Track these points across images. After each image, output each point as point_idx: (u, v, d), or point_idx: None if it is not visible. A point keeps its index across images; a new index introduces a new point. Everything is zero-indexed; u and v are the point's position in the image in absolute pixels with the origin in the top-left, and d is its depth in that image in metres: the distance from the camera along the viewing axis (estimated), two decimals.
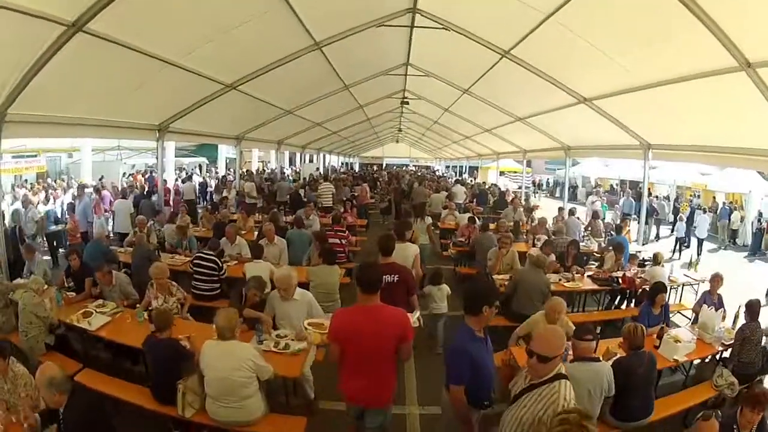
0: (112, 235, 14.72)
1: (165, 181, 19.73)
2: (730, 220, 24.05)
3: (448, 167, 57.14)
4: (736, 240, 24.28)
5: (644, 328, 5.91)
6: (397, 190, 25.37)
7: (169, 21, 8.12)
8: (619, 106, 11.22)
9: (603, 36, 8.52)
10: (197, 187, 25.04)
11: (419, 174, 41.99)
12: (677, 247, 20.78)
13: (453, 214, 17.24)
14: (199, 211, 19.82)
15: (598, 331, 6.12)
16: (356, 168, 56.31)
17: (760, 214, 23.43)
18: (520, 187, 32.10)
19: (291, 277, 6.65)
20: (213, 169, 37.66)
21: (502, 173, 37.92)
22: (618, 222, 16.67)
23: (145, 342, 5.95)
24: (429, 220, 12.69)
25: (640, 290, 10.22)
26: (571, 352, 5.37)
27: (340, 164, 51.67)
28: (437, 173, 50.31)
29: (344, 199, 19.72)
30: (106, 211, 16.91)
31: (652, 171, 30.99)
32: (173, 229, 12.06)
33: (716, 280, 8.81)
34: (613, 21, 7.95)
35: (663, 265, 10.39)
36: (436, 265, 11.13)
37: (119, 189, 20.00)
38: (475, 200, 23.48)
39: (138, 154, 32.58)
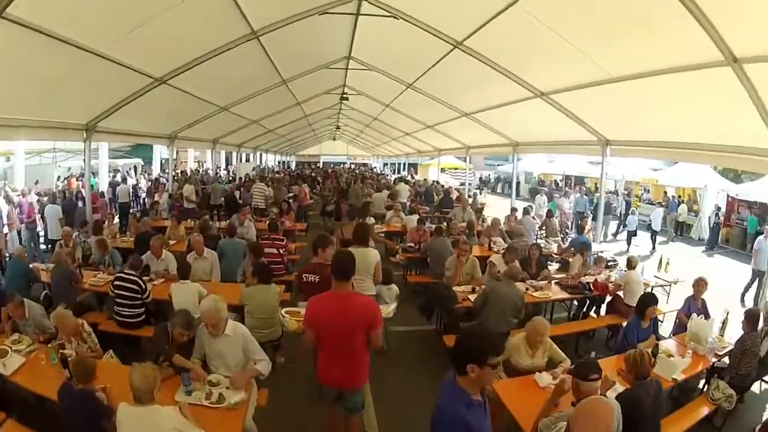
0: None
1: (93, 186, 18.37)
2: (677, 212, 24.84)
3: (386, 164, 56.64)
4: (683, 232, 25.12)
5: (649, 354, 5.23)
6: (336, 189, 24.58)
7: (89, 2, 7.05)
8: (578, 101, 10.72)
9: (574, 25, 7.88)
10: (130, 190, 23.64)
11: (357, 172, 41.23)
12: (629, 240, 21.00)
13: (398, 215, 16.41)
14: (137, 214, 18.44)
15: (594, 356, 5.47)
16: (293, 166, 54.97)
17: (718, 209, 23.88)
18: (462, 184, 31.75)
19: (218, 309, 5.38)
20: (146, 171, 35.92)
21: (442, 170, 37.45)
22: (576, 220, 16.25)
23: (60, 390, 4.81)
24: (372, 220, 11.94)
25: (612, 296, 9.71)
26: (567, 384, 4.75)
27: (276, 163, 50.39)
28: (375, 170, 49.66)
29: (283, 200, 18.57)
30: (23, 222, 15.33)
31: (597, 166, 31.37)
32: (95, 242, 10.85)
33: (700, 284, 8.38)
34: (587, 8, 7.32)
35: (636, 269, 9.76)
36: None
37: (51, 194, 18.26)
38: (419, 199, 22.80)
39: (74, 156, 30.16)
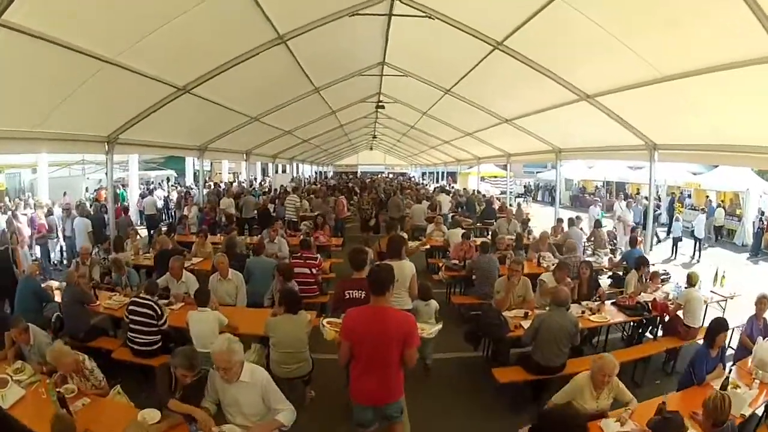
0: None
1: (123, 198, 18.02)
2: (714, 217, 23.94)
3: (424, 174, 55.87)
4: (722, 237, 24.19)
5: (730, 398, 4.43)
6: (375, 200, 23.77)
7: (99, 7, 6.53)
8: (625, 103, 9.95)
9: (622, 19, 7.22)
10: (157, 202, 23.23)
11: (395, 181, 40.47)
12: (674, 247, 20.00)
13: (440, 228, 15.34)
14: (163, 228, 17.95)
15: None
16: (329, 176, 54.41)
17: (762, 213, 22.62)
18: (503, 193, 30.85)
19: (231, 351, 4.55)
20: (179, 182, 35.77)
21: (482, 179, 36.45)
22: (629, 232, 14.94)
23: None
24: (404, 235, 11.13)
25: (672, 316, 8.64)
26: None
27: (312, 173, 49.92)
28: (413, 180, 48.87)
29: (317, 214, 17.24)
30: (42, 236, 15.13)
31: (636, 171, 30.38)
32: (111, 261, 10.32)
33: (763, 302, 7.39)
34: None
35: (696, 286, 8.70)
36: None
37: (80, 207, 17.82)
38: (460, 210, 21.81)
39: (104, 168, 30.07)
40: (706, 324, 7.15)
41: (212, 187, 28.29)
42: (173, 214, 23.78)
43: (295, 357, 6.61)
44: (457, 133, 21.27)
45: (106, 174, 13.16)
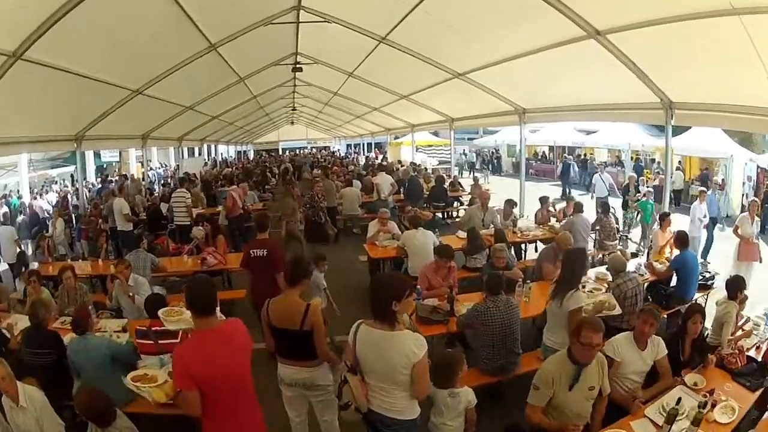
0: None
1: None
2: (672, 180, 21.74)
3: (348, 146, 52.57)
4: (679, 202, 22.41)
5: None
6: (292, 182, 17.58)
7: None
8: (644, 45, 7.51)
9: None
10: (42, 205, 19.18)
11: (317, 159, 37.00)
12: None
13: (387, 227, 10.72)
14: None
15: None
16: (251, 157, 49.69)
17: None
18: (441, 164, 28.06)
19: None
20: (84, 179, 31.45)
21: (417, 148, 32.21)
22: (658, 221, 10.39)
23: None
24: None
25: None
26: None
27: (232, 155, 45.74)
28: (337, 153, 45.47)
29: (202, 217, 12.17)
30: None
31: (591, 136, 28.29)
32: None
33: None
34: None
35: None
36: None
37: None
38: (402, 191, 17.58)
39: (7, 172, 26.99)
40: None
41: (98, 183, 23.99)
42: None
43: None
44: (390, 96, 18.49)
45: None
